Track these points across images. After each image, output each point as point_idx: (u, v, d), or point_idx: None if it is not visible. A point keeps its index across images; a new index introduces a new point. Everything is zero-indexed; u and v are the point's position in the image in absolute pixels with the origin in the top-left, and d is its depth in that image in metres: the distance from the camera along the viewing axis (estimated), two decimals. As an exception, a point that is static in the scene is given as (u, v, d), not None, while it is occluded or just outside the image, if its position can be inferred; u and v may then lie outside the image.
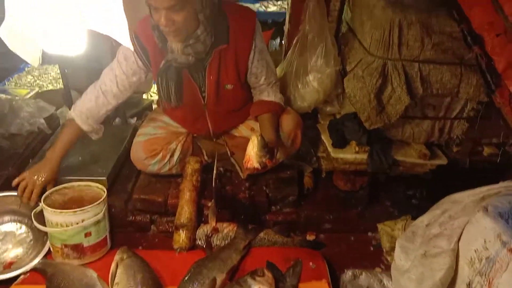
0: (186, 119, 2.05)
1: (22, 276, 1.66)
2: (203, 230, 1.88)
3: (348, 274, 1.77)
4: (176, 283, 1.59)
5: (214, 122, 2.02)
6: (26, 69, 3.79)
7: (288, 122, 1.95)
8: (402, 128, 2.07)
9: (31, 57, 1.08)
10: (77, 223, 1.66)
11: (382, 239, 2.01)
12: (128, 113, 2.69)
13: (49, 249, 1.75)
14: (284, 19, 4.52)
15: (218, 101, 1.91)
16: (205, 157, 2.13)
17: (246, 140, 1.70)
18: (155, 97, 3.21)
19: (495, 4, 1.66)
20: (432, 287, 1.41)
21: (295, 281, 1.63)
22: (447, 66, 1.87)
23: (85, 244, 1.71)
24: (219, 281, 1.57)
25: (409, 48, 1.86)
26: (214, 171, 1.87)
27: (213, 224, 1.88)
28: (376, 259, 1.93)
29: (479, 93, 1.88)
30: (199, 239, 1.86)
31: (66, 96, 2.51)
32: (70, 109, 1.90)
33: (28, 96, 3.05)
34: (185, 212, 1.86)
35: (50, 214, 1.67)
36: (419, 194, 2.18)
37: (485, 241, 1.28)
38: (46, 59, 1.61)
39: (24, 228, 1.86)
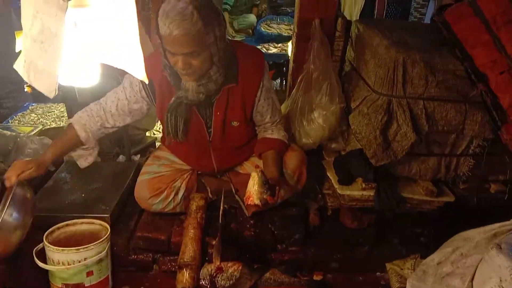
0: (190, 155, 2.04)
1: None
2: (207, 269, 1.82)
3: (358, 315, 1.71)
4: (180, 325, 1.53)
5: (219, 159, 2.02)
6: (30, 107, 3.81)
7: (292, 159, 1.96)
8: (408, 165, 2.05)
9: (48, 88, 1.09)
10: (79, 261, 1.61)
11: (391, 279, 1.95)
12: (132, 150, 2.70)
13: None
14: (284, 61, 4.66)
15: (224, 137, 1.91)
16: (210, 194, 2.10)
17: (251, 177, 1.69)
18: (159, 135, 3.23)
19: (497, 44, 1.71)
20: (448, 328, 1.36)
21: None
22: (451, 103, 1.88)
23: (87, 284, 1.66)
24: (225, 323, 1.51)
25: (413, 86, 1.88)
26: (221, 207, 1.85)
27: (218, 263, 1.83)
28: (386, 300, 1.87)
29: (484, 130, 1.89)
30: (203, 279, 1.80)
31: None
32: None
33: (32, 133, 3.05)
34: (189, 250, 1.82)
35: (52, 252, 1.62)
36: (427, 232, 2.14)
37: (500, 280, 1.25)
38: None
39: None
